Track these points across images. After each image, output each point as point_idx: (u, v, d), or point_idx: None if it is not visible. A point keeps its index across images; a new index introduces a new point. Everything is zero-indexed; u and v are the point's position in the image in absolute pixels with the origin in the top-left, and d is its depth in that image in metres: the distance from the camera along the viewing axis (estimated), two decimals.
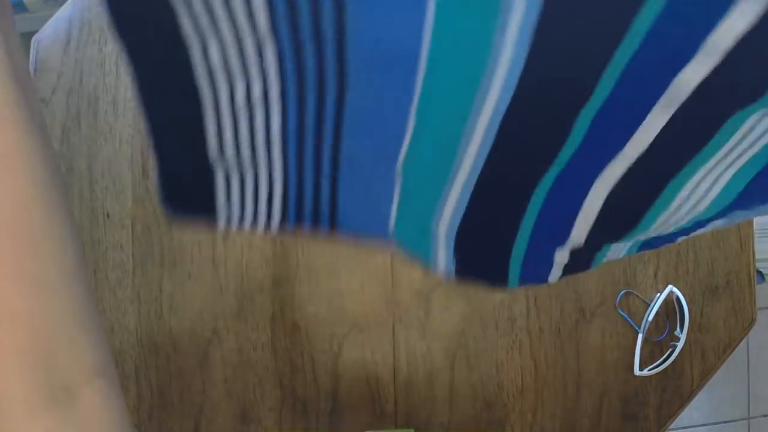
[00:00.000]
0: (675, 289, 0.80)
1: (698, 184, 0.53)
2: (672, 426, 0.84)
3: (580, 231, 0.54)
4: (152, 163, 0.84)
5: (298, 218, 0.59)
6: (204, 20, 0.45)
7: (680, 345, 0.79)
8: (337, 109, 0.50)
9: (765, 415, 1.55)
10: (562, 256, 0.57)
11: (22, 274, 0.35)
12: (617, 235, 0.55)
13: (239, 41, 0.46)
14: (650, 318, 0.80)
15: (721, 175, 0.52)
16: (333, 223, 0.59)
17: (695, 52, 0.44)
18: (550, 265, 0.58)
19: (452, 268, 0.59)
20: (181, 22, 0.44)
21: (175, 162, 0.54)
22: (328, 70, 0.48)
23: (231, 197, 0.57)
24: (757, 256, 0.84)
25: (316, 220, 0.59)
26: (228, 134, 0.52)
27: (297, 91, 0.50)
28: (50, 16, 0.87)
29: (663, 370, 0.79)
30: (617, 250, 0.59)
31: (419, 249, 0.60)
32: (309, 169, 0.55)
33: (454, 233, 0.56)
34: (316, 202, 0.58)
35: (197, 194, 0.56)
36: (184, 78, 0.48)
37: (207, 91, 0.49)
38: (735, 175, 0.52)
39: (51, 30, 0.86)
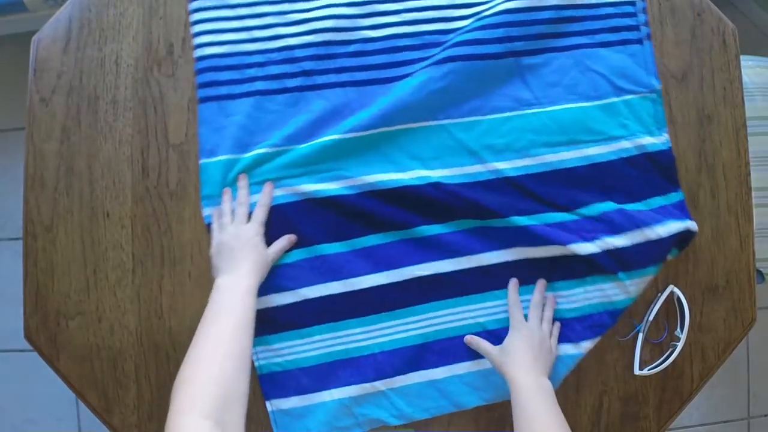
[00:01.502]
0: (676, 289, 0.80)
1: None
2: (672, 426, 0.84)
3: None
4: (151, 163, 0.84)
5: None
6: None
7: (680, 345, 0.79)
8: None
9: (765, 415, 1.55)
10: None
11: None
12: None
13: None
14: (650, 318, 0.80)
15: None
16: None
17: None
18: None
19: None
20: None
21: None
22: None
23: None
24: (757, 256, 0.84)
25: None
26: None
27: None
28: (50, 16, 0.87)
29: (663, 370, 0.79)
30: None
31: None
32: None
33: None
34: None
35: None
36: None
37: None
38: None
39: (51, 30, 0.86)
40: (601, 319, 0.80)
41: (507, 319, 0.80)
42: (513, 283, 0.81)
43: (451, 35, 0.82)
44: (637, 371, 0.79)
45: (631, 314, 0.82)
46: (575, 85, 0.83)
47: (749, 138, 0.85)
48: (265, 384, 0.80)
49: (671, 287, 0.80)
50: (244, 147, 0.81)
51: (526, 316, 0.79)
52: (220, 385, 0.60)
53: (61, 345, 0.82)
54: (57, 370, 0.83)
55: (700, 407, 1.55)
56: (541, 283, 0.81)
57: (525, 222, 0.80)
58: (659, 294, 0.81)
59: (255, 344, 0.79)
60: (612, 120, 0.83)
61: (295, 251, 0.81)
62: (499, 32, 0.81)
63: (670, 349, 0.80)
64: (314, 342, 0.80)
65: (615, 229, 0.80)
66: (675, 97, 0.85)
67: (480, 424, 0.82)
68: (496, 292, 0.81)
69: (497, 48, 0.81)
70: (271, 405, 0.80)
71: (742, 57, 0.87)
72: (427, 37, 0.83)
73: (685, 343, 0.79)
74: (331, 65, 0.82)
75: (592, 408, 0.82)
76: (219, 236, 0.78)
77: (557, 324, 0.80)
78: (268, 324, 0.80)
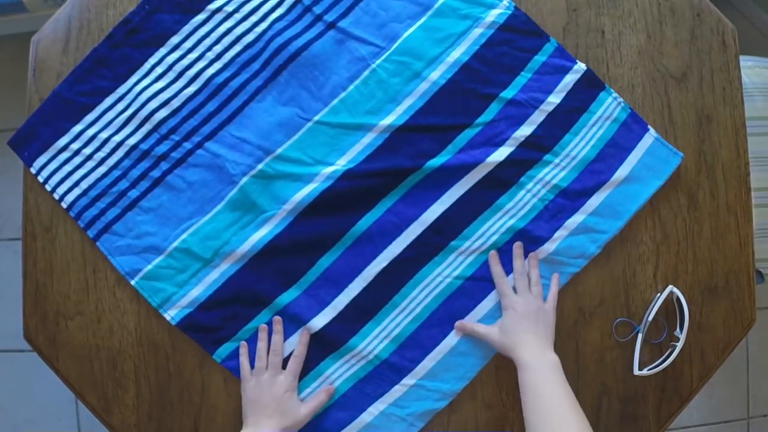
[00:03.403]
0: (675, 289, 0.80)
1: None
2: (671, 426, 0.84)
3: None
4: None
5: None
6: None
7: (680, 345, 0.78)
8: None
9: (764, 415, 1.55)
10: None
11: None
12: None
13: None
14: (650, 318, 0.80)
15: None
16: None
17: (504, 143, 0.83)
18: None
19: None
20: None
21: None
22: None
23: None
24: (756, 256, 0.84)
25: None
26: None
27: None
28: (50, 16, 0.87)
29: (662, 370, 0.79)
30: None
31: None
32: None
33: None
34: None
35: None
36: None
37: None
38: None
39: (51, 30, 0.86)
40: (557, 204, 0.82)
41: (478, 260, 0.81)
42: (492, 256, 0.81)
43: (259, 44, 0.83)
44: (636, 372, 0.79)
45: (630, 315, 0.82)
46: (400, 12, 0.84)
47: (749, 138, 0.85)
48: None
49: (671, 287, 0.80)
50: (157, 249, 0.82)
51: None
52: None
53: (61, 345, 0.82)
54: (56, 370, 0.83)
55: (699, 407, 1.55)
56: (517, 247, 0.81)
57: (439, 161, 0.81)
58: (659, 294, 0.81)
59: None
60: (452, 19, 0.84)
61: (260, 315, 0.81)
62: (306, 19, 0.84)
63: (670, 350, 0.80)
64: (329, 377, 0.81)
65: (516, 121, 0.82)
66: (674, 98, 0.85)
67: (480, 424, 0.82)
68: (453, 243, 0.82)
69: (314, 31, 0.84)
70: None
71: (741, 57, 0.87)
72: (237, 60, 0.84)
73: (684, 344, 0.79)
74: (177, 137, 0.83)
75: (591, 408, 0.82)
76: (252, 383, 0.78)
77: (554, 277, 0.81)
78: None
